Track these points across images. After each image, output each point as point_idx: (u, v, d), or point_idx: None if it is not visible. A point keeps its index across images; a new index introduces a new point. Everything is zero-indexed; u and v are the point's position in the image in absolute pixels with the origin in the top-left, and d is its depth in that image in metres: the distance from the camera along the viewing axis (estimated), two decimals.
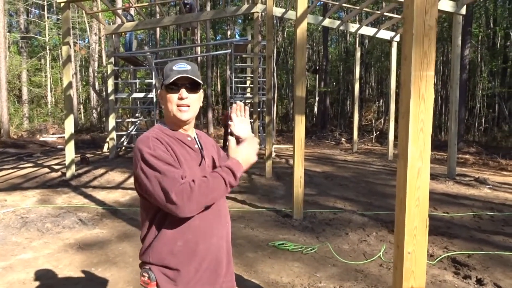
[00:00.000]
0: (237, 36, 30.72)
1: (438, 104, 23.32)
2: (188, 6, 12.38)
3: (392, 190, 7.09)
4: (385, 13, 10.46)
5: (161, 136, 1.43)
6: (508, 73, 21.51)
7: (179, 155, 1.42)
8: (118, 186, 7.43)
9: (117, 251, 4.04)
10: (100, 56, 24.53)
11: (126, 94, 13.52)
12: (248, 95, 14.30)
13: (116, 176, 8.38)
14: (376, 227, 4.90)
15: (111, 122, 11.76)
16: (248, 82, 15.11)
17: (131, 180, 7.90)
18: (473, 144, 15.64)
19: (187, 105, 1.46)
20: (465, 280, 3.35)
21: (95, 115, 26.24)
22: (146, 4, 17.43)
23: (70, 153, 7.93)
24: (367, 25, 11.76)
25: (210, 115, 22.77)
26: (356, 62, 13.59)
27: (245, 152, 1.47)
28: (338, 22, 11.50)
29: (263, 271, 3.54)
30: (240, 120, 1.71)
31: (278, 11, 10.77)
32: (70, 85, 8.07)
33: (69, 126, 7.98)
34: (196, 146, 1.54)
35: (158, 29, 22.64)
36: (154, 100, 12.25)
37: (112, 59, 11.91)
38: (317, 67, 27.12)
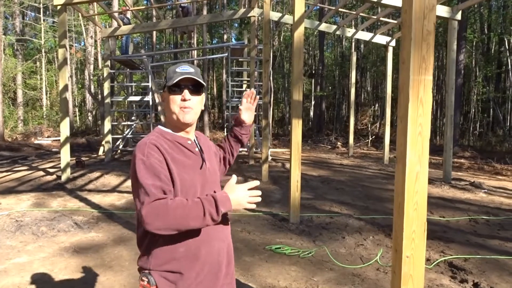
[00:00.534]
0: (233, 40, 30.74)
1: (434, 109, 23.45)
2: (185, 9, 12.39)
3: (388, 194, 7.10)
4: (381, 18, 10.54)
5: (160, 142, 1.41)
6: (502, 78, 21.72)
7: (178, 162, 1.41)
8: (113, 190, 7.39)
9: (112, 254, 4.01)
10: (96, 59, 24.43)
11: (122, 97, 13.49)
12: None
13: (111, 179, 8.33)
14: (372, 231, 4.90)
15: (107, 125, 11.71)
16: (244, 86, 15.13)
17: (127, 183, 7.87)
18: (468, 148, 15.71)
19: (190, 107, 1.47)
20: (462, 284, 3.36)
21: (90, 118, 26.09)
22: (143, 7, 17.44)
23: (65, 156, 7.88)
24: (363, 30, 11.83)
25: (206, 118, 22.74)
26: (352, 67, 13.65)
27: (241, 195, 1.36)
28: (334, 26, 11.57)
29: (260, 275, 3.53)
30: (248, 107, 1.84)
31: (274, 16, 10.80)
32: (66, 88, 8.03)
33: (64, 129, 7.93)
34: (197, 149, 1.53)
35: (154, 32, 22.66)
36: (150, 103, 12.23)
37: (108, 62, 11.88)
38: (313, 71, 27.20)
